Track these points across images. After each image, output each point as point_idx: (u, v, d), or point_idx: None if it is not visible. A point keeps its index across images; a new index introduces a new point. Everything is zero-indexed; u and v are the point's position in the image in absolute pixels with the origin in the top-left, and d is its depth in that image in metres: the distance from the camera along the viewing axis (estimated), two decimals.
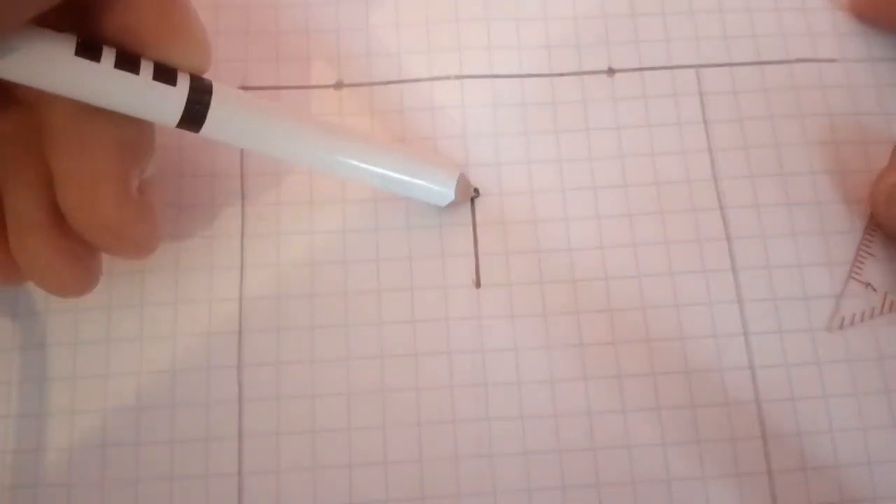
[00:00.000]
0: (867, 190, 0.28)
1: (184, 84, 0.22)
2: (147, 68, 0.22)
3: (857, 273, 0.28)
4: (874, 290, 0.28)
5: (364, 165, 0.26)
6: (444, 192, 0.27)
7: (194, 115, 0.23)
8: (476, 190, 0.28)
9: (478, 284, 0.27)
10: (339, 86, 0.30)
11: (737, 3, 0.31)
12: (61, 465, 0.26)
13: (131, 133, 0.23)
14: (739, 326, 0.27)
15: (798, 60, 0.30)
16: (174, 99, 0.22)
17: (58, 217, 0.22)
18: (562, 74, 0.30)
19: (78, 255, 0.23)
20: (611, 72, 0.30)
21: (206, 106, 0.23)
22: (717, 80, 0.30)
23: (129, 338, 0.27)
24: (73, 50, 0.21)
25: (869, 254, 0.28)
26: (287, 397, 0.26)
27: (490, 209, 0.28)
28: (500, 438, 0.26)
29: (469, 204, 0.28)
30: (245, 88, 0.29)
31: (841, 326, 0.27)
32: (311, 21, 0.30)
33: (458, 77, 0.30)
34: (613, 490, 0.25)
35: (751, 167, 0.29)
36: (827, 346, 0.27)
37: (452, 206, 0.28)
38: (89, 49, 0.21)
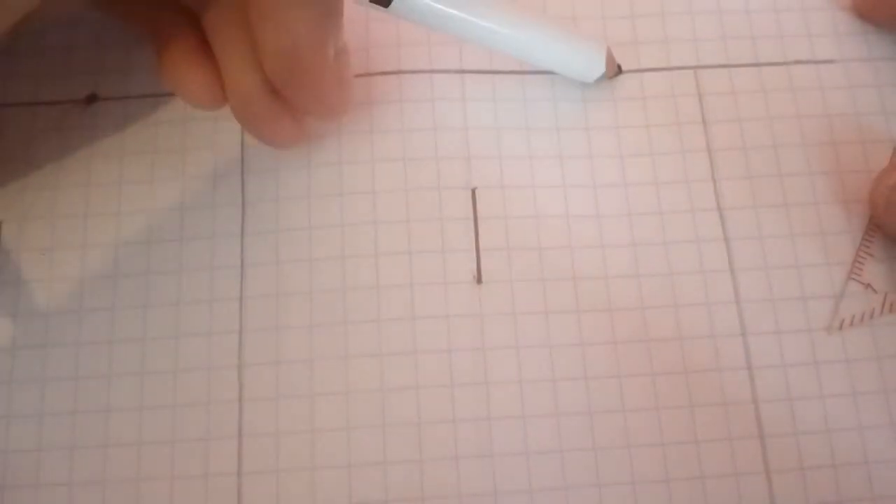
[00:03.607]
0: (866, 191, 0.28)
1: None
2: None
3: (857, 274, 0.28)
4: (874, 290, 0.28)
5: (523, 38, 0.27)
6: (594, 64, 0.28)
7: None
8: (619, 67, 0.29)
9: (479, 280, 0.27)
10: None
11: (735, 4, 0.31)
12: (61, 465, 0.26)
13: (327, 6, 0.24)
14: (738, 327, 0.27)
15: (797, 62, 0.30)
16: None
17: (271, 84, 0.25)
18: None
19: (292, 115, 0.26)
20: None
21: None
22: (716, 82, 0.30)
23: (130, 338, 0.27)
24: None
25: (869, 254, 0.28)
26: (287, 397, 0.26)
27: (491, 203, 0.28)
28: (501, 438, 0.26)
29: (471, 196, 0.28)
30: None
31: (840, 327, 0.27)
32: None
33: (458, 71, 0.30)
34: (614, 490, 0.25)
35: (749, 168, 0.29)
36: (825, 347, 0.27)
37: (598, 83, 0.29)
38: None
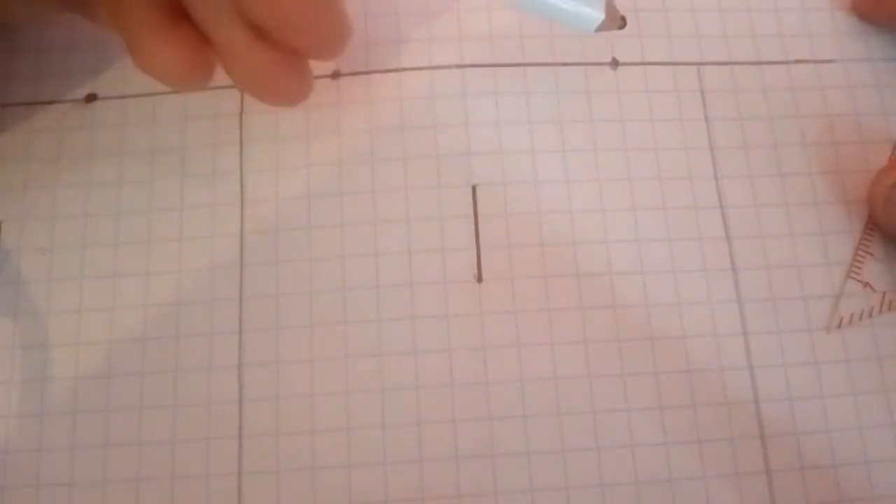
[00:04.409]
0: (866, 190, 0.28)
1: None
2: None
3: (856, 273, 0.28)
4: (873, 289, 0.28)
5: None
6: (593, 11, 0.26)
7: None
8: (623, 18, 0.27)
9: (479, 279, 0.27)
10: (336, 75, 0.30)
11: (736, 2, 0.31)
12: (62, 465, 0.26)
13: None
14: (739, 326, 0.27)
15: (797, 61, 0.30)
16: None
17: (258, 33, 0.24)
18: (565, 64, 0.30)
19: (288, 63, 0.25)
20: (614, 63, 0.30)
21: None
22: (718, 78, 0.30)
23: (131, 338, 0.27)
24: None
25: (868, 253, 0.28)
26: (287, 397, 0.26)
27: (492, 200, 0.28)
28: (502, 438, 0.26)
29: (471, 193, 0.28)
30: None
31: (839, 326, 0.27)
32: None
33: (459, 66, 0.30)
34: (616, 490, 0.25)
35: (750, 167, 0.29)
36: (825, 346, 0.27)
37: (599, 31, 0.26)
38: None
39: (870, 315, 0.27)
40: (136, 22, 0.24)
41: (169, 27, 0.24)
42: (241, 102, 0.29)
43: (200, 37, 0.24)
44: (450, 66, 0.30)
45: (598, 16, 0.26)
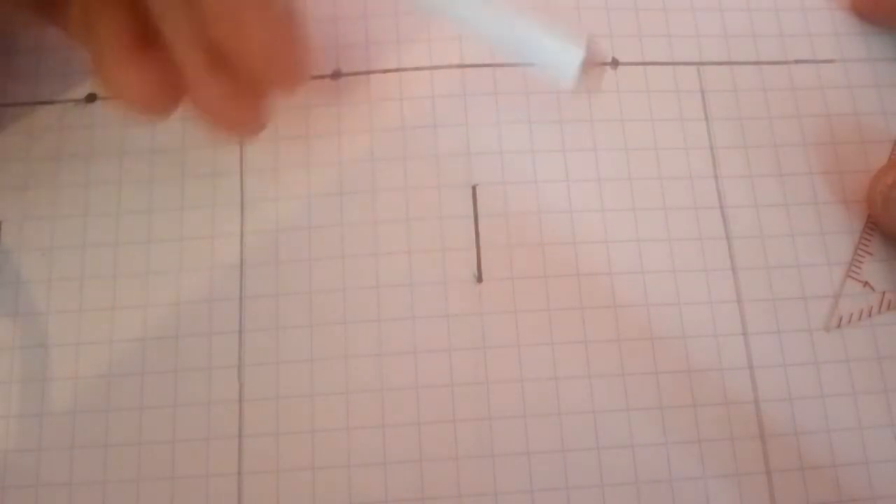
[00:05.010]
0: (866, 190, 0.28)
1: None
2: None
3: (855, 272, 0.28)
4: (872, 289, 0.28)
5: (496, 26, 0.24)
6: (570, 58, 0.24)
7: None
8: (603, 63, 0.27)
9: (479, 279, 0.27)
10: (336, 75, 0.30)
11: (737, 2, 0.31)
12: (62, 465, 0.26)
13: None
14: (739, 326, 0.27)
15: (797, 62, 0.30)
16: None
17: (220, 61, 0.23)
18: None
19: (244, 95, 0.24)
20: (614, 63, 0.30)
21: None
22: (718, 79, 0.30)
23: (131, 338, 0.27)
24: None
25: (867, 253, 0.28)
26: (287, 397, 0.26)
27: (492, 200, 0.28)
28: (502, 438, 0.26)
29: (471, 193, 0.28)
30: None
31: (839, 325, 0.27)
32: (309, 11, 0.30)
33: (459, 66, 0.30)
34: (616, 490, 0.25)
35: (750, 167, 0.29)
36: (825, 346, 0.27)
37: (576, 83, 0.24)
38: None
39: (869, 315, 0.27)
40: (104, 42, 0.23)
41: (138, 50, 0.23)
42: None
43: (169, 64, 0.24)
44: (450, 66, 0.30)
45: (578, 57, 0.24)
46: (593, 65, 0.25)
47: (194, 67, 0.24)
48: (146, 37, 0.23)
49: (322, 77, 0.29)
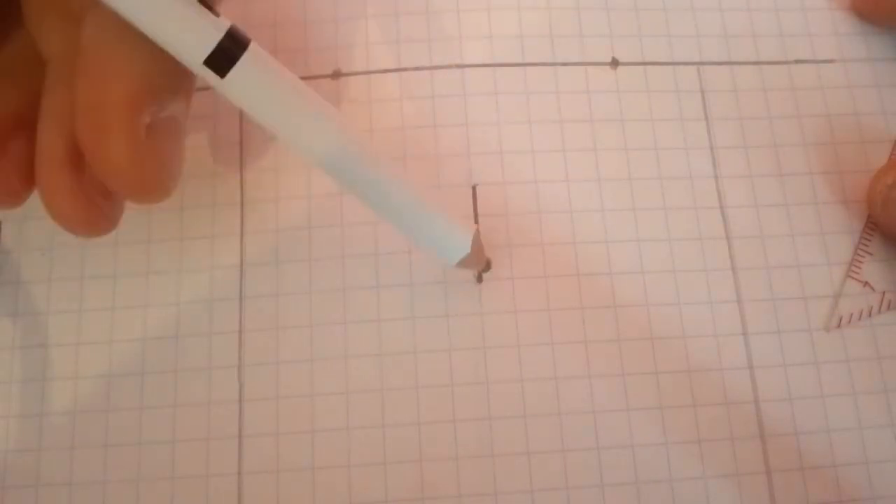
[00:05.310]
0: (866, 190, 0.28)
1: (224, 21, 0.21)
2: None
3: (855, 272, 0.28)
4: (872, 289, 0.28)
5: (371, 191, 0.23)
6: (458, 247, 0.24)
7: (225, 55, 0.21)
8: (489, 262, 0.27)
9: (479, 279, 0.27)
10: (336, 75, 0.30)
11: (736, 2, 0.31)
12: (62, 465, 0.26)
13: (154, 66, 0.21)
14: (739, 326, 0.27)
15: (797, 61, 0.30)
16: (212, 29, 0.20)
17: (79, 155, 0.22)
18: (565, 64, 0.30)
19: (90, 196, 0.22)
20: (614, 63, 0.30)
21: (241, 50, 0.21)
22: (718, 79, 0.30)
23: (131, 338, 0.27)
24: None
25: (867, 253, 0.28)
26: (287, 397, 0.26)
27: (492, 200, 0.28)
28: (502, 438, 0.26)
29: (471, 193, 0.28)
30: None
31: (839, 325, 0.27)
32: (309, 11, 0.30)
33: (459, 66, 0.30)
34: (616, 490, 0.25)
35: (750, 167, 0.29)
36: (825, 346, 0.27)
37: (460, 267, 0.25)
38: None
39: (869, 315, 0.27)
40: (40, 150, 0.22)
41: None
42: None
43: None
44: (450, 66, 0.30)
45: (464, 248, 0.24)
46: (477, 254, 0.25)
47: (50, 152, 0.22)
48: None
49: (322, 77, 0.29)
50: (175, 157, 0.23)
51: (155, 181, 0.22)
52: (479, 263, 0.26)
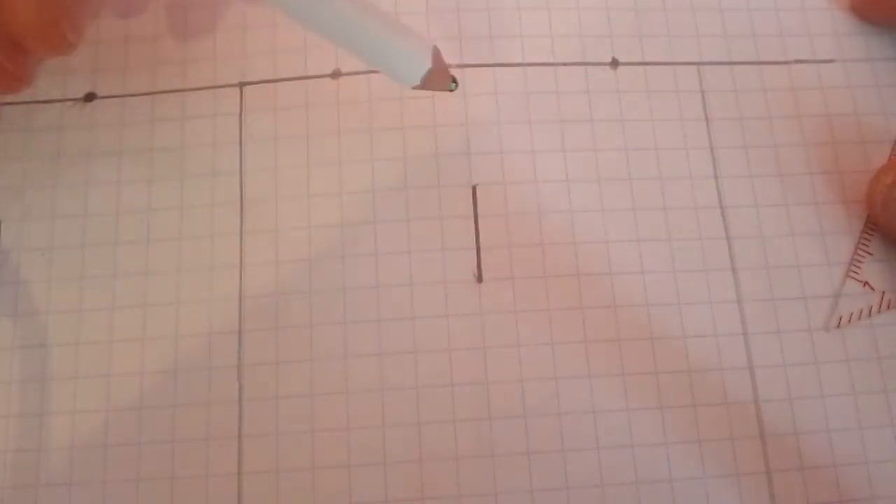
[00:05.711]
0: (865, 190, 0.28)
1: None
2: None
3: (855, 272, 0.28)
4: (872, 288, 0.28)
5: (329, 17, 0.23)
6: (417, 65, 0.24)
7: None
8: (455, 81, 0.26)
9: (479, 279, 0.27)
10: (336, 75, 0.30)
11: (736, 2, 0.31)
12: (62, 465, 0.26)
13: None
14: (739, 326, 0.27)
15: (797, 62, 0.30)
16: None
17: None
18: (565, 64, 0.30)
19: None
20: (614, 63, 0.30)
21: None
22: (718, 78, 0.30)
23: (130, 338, 0.27)
24: None
25: (867, 253, 0.28)
26: (287, 397, 0.26)
27: (492, 200, 0.28)
28: (502, 438, 0.26)
29: (471, 193, 0.28)
30: (244, 84, 0.29)
31: (839, 325, 0.27)
32: None
33: (459, 66, 0.30)
34: (616, 490, 0.25)
35: (750, 167, 0.29)
36: (825, 346, 0.27)
37: (427, 88, 0.25)
38: None
39: (869, 315, 0.27)
40: None
41: None
42: (241, 102, 0.29)
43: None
44: (450, 66, 0.30)
45: (424, 66, 0.24)
46: (441, 72, 0.25)
47: None
48: None
49: (322, 77, 0.29)
50: (77, 8, 0.24)
51: (57, 31, 0.24)
52: (444, 82, 0.26)
